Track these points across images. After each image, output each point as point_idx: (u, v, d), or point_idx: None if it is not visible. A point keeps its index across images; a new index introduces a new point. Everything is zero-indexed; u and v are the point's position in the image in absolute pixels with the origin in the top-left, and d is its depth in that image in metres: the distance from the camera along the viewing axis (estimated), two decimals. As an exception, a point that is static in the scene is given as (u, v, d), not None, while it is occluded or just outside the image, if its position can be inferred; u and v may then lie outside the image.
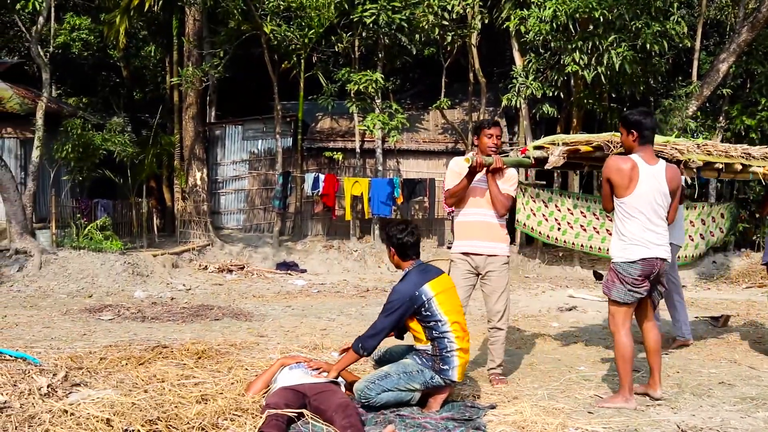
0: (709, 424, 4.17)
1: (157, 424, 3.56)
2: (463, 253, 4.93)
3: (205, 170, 15.88)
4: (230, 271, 13.17)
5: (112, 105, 17.62)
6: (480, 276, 4.98)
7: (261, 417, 3.65)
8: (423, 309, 4.09)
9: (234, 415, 3.85)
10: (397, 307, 4.11)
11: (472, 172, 4.71)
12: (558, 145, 5.17)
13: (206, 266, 13.26)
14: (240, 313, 8.47)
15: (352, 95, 14.58)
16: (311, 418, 3.69)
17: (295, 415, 3.68)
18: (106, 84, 19.21)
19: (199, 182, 15.65)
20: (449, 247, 6.17)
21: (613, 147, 4.92)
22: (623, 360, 4.24)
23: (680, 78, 15.92)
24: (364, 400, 4.07)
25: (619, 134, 4.48)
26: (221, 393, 4.23)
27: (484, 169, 4.75)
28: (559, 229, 14.20)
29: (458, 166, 4.94)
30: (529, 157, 5.18)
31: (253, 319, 8.08)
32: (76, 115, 14.70)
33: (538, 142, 5.40)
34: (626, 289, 4.22)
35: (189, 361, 5.12)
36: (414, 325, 4.21)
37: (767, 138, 15.03)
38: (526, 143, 14.78)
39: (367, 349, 4.13)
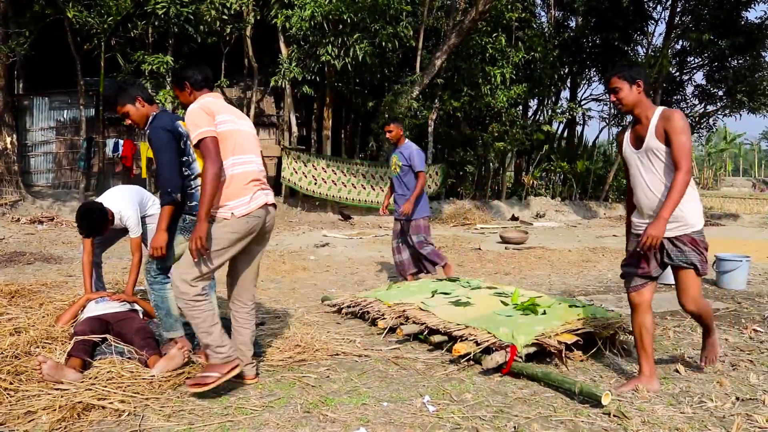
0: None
1: (-28, 357, 3.49)
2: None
3: (15, 135, 15.81)
4: (41, 222, 13.24)
5: None
6: None
7: (69, 343, 3.79)
8: (182, 143, 3.73)
9: (45, 343, 3.99)
10: (165, 140, 3.64)
11: None
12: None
13: (18, 219, 13.38)
14: (50, 257, 8.53)
15: (147, 74, 15.13)
16: (113, 341, 3.84)
17: (100, 340, 3.82)
18: None
19: (9, 146, 15.58)
20: None
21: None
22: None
23: (407, 69, 17.87)
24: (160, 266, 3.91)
25: None
26: (33, 325, 4.33)
27: None
28: (315, 183, 16.55)
29: None
30: None
31: (62, 262, 8.12)
32: None
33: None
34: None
35: (2, 300, 5.19)
36: None
37: (468, 116, 18.25)
38: (290, 117, 17.00)
39: (173, 190, 3.63)
